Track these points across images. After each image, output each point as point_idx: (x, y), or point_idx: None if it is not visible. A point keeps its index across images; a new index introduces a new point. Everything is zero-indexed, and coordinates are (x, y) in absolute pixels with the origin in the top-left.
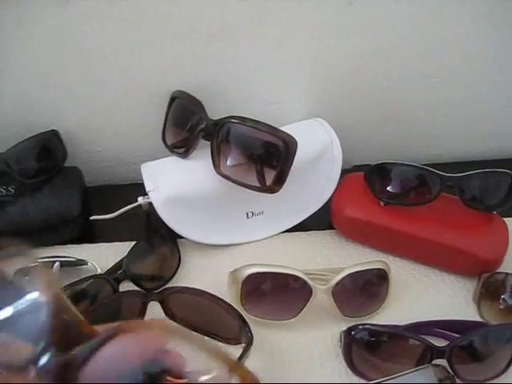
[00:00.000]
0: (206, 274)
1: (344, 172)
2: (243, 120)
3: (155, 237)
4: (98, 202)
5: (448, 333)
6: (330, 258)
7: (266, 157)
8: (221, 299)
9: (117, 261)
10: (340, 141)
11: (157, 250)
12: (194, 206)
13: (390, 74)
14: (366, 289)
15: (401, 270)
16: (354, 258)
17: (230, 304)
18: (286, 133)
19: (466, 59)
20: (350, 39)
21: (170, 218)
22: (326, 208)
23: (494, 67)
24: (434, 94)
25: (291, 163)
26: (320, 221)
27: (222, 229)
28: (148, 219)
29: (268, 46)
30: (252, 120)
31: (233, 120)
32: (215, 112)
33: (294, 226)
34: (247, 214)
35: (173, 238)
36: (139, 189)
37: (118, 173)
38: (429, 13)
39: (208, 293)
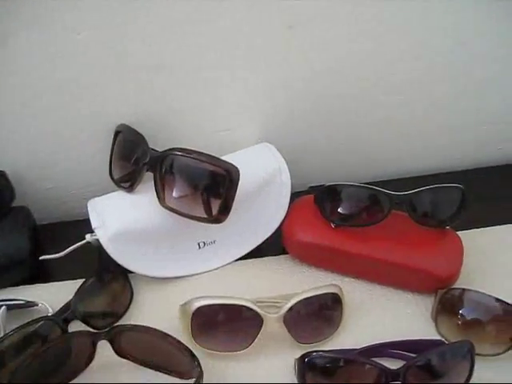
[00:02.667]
0: (159, 308)
1: (300, 194)
2: (184, 151)
3: (105, 273)
4: (51, 240)
5: (405, 353)
6: (285, 284)
7: (210, 187)
8: (169, 335)
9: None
10: (295, 162)
11: (107, 286)
12: (143, 239)
13: (341, 94)
14: (319, 314)
15: (357, 291)
16: (309, 282)
17: (178, 340)
18: (227, 162)
19: (422, 75)
20: (298, 62)
21: (118, 253)
22: (279, 233)
23: (451, 84)
24: (389, 111)
25: (235, 192)
26: (273, 246)
27: (173, 261)
28: (99, 256)
29: (213, 73)
30: (193, 151)
31: (174, 152)
32: (163, 143)
33: (247, 253)
34: (199, 244)
35: (124, 273)
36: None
37: (70, 209)
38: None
39: (156, 329)
